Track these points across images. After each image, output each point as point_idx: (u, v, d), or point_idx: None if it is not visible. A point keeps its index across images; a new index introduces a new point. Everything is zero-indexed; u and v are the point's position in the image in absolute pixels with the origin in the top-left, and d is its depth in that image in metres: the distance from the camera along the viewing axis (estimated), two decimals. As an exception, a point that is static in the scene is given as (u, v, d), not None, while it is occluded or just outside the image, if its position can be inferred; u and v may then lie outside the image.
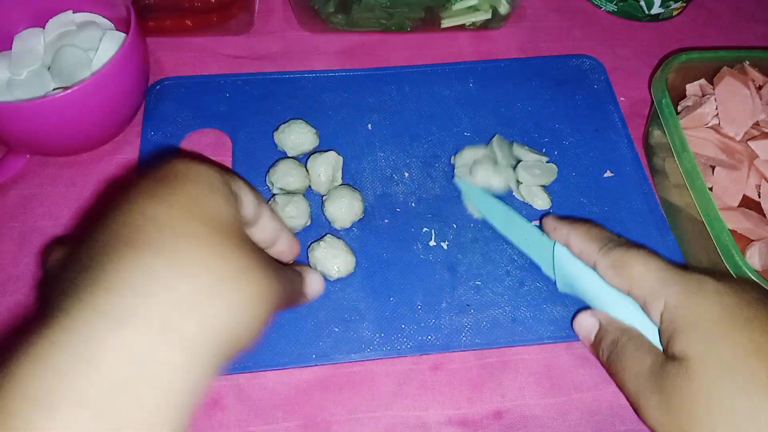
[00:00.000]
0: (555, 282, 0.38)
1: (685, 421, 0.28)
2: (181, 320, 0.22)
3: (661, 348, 0.31)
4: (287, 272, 0.30)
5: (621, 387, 0.32)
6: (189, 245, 0.23)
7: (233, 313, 0.23)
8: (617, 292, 0.34)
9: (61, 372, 0.20)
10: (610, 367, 0.33)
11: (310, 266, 0.38)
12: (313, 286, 0.34)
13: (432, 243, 0.43)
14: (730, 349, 0.28)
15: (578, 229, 0.37)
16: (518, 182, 0.46)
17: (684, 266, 0.32)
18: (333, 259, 0.40)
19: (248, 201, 0.29)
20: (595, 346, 0.35)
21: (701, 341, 0.29)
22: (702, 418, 0.27)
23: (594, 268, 0.35)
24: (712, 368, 0.28)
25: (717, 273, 0.32)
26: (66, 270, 0.24)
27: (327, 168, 0.44)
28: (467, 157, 0.46)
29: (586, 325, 0.35)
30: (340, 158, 0.45)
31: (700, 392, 0.27)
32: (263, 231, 0.31)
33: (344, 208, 0.42)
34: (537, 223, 0.44)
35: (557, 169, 0.46)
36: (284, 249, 0.34)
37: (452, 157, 0.47)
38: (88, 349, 0.20)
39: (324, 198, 0.43)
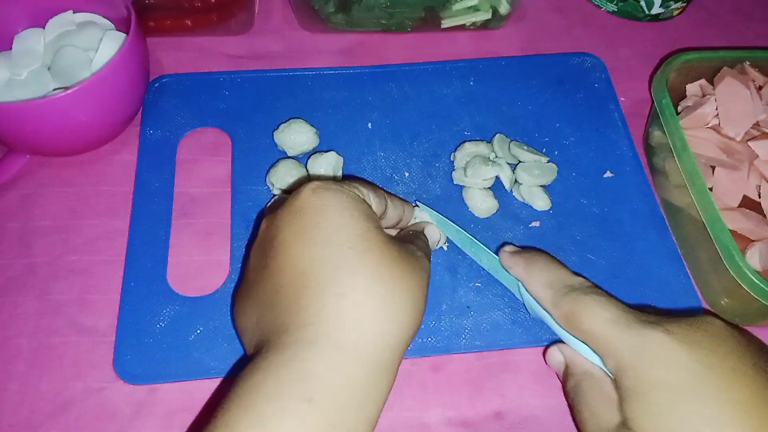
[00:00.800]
0: (525, 307, 0.38)
1: None
2: (367, 343, 0.27)
3: None
4: (419, 244, 0.35)
5: (577, 425, 0.32)
6: (353, 277, 0.28)
7: (403, 317, 0.28)
8: (572, 338, 0.33)
9: (287, 383, 0.25)
10: (572, 410, 0.33)
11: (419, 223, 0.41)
12: (434, 237, 0.39)
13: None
14: (675, 423, 0.27)
15: (532, 271, 0.36)
16: (518, 183, 0.45)
17: (640, 311, 0.31)
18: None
19: (375, 202, 0.33)
20: (563, 384, 0.35)
21: (646, 412, 0.28)
22: None
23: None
24: None
25: (670, 319, 0.30)
26: (250, 313, 0.30)
27: (327, 168, 0.44)
28: (468, 150, 0.46)
29: (554, 361, 0.35)
30: (341, 159, 0.45)
31: None
32: (390, 219, 0.36)
33: None
34: (537, 224, 0.44)
35: (557, 169, 0.46)
36: (407, 221, 0.39)
37: (452, 155, 0.47)
38: (298, 369, 0.25)
39: None
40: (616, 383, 0.30)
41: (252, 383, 0.26)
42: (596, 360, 0.32)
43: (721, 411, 0.26)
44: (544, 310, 0.35)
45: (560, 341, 0.35)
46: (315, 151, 0.46)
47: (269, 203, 0.43)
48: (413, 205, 0.41)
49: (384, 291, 0.28)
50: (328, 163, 0.44)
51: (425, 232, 0.38)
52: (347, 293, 0.27)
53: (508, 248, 0.38)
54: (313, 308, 0.27)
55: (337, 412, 0.25)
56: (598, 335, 0.31)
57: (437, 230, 0.39)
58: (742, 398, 0.26)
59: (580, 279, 0.35)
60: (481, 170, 0.44)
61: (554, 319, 0.34)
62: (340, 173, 0.45)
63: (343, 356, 0.26)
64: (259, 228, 0.32)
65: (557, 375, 0.36)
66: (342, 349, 0.26)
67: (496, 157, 0.46)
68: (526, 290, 0.36)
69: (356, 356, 0.26)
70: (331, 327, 0.26)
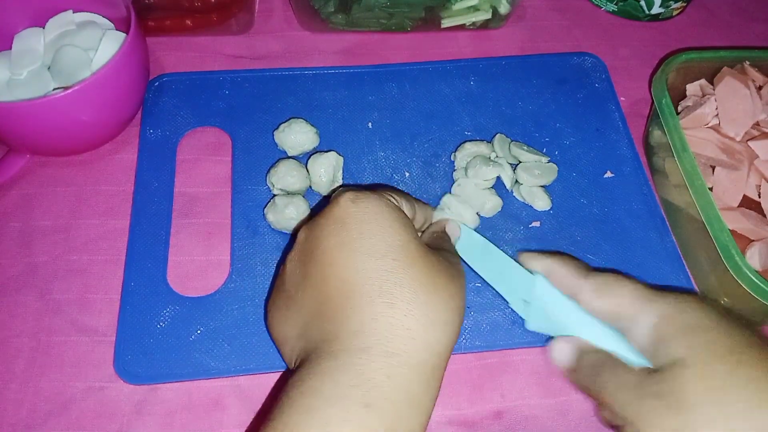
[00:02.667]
0: (524, 320, 0.37)
1: (696, 417, 0.28)
2: (418, 351, 0.28)
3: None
4: (449, 247, 0.36)
5: (607, 405, 0.32)
6: (401, 288, 0.29)
7: (448, 323, 0.30)
8: (597, 319, 0.34)
9: (345, 388, 0.26)
10: (591, 388, 0.33)
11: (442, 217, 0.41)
12: (454, 234, 0.39)
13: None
14: (726, 346, 0.29)
15: (558, 260, 0.37)
16: (518, 183, 0.45)
17: (660, 287, 0.33)
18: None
19: (407, 208, 0.34)
20: (574, 372, 0.35)
21: (699, 342, 0.29)
22: (712, 411, 0.27)
23: (574, 296, 0.35)
24: (716, 364, 0.28)
25: (693, 293, 0.33)
26: (299, 319, 0.31)
27: (328, 168, 0.44)
28: (469, 150, 0.46)
29: (564, 351, 0.35)
30: (341, 158, 0.45)
31: (705, 388, 0.28)
32: (417, 222, 0.37)
33: None
34: (537, 224, 0.44)
35: (557, 169, 0.46)
36: (429, 221, 0.40)
37: (452, 155, 0.47)
38: (355, 374, 0.27)
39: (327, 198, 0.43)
40: (657, 334, 0.31)
41: (309, 387, 0.27)
42: (615, 341, 0.33)
43: (753, 335, 0.30)
44: (557, 303, 0.35)
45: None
46: (315, 151, 0.46)
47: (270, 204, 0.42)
48: (432, 207, 0.41)
49: (429, 300, 0.29)
50: (328, 163, 0.44)
51: (447, 230, 0.39)
52: (396, 303, 0.28)
53: (526, 252, 0.40)
54: (364, 317, 0.28)
55: (394, 417, 0.26)
56: (637, 296, 0.33)
57: (456, 225, 0.40)
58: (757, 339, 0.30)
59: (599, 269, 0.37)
60: (482, 171, 0.44)
61: (573, 304, 0.34)
62: (340, 173, 0.45)
63: (397, 363, 0.27)
64: (296, 238, 0.33)
65: (562, 368, 0.35)
66: (395, 356, 0.27)
67: (497, 156, 0.46)
68: (545, 282, 0.36)
69: (408, 363, 0.27)
70: (382, 335, 0.28)
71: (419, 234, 0.38)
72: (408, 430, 0.27)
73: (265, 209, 0.43)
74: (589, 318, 0.34)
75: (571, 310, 0.35)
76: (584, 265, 0.36)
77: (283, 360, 0.33)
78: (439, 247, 0.35)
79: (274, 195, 0.44)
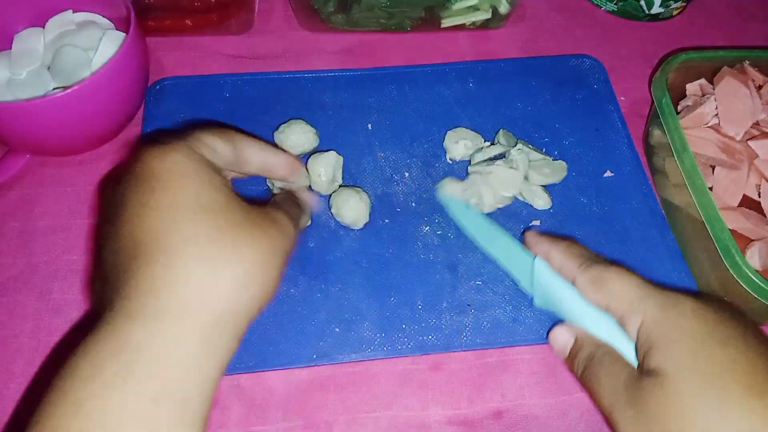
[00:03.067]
0: (532, 298, 0.38)
1: None
2: (196, 310, 0.26)
3: (636, 364, 0.31)
4: (287, 208, 0.34)
5: (596, 401, 0.32)
6: (184, 243, 0.27)
7: (243, 282, 0.27)
8: (594, 308, 0.34)
9: (101, 362, 0.24)
10: (585, 381, 0.33)
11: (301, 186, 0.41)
12: (311, 204, 0.38)
13: (432, 243, 0.43)
14: (706, 364, 0.28)
15: (559, 246, 0.37)
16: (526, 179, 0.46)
17: (661, 284, 0.33)
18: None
19: (224, 149, 0.32)
20: (570, 360, 0.35)
21: (678, 356, 0.29)
22: None
23: (573, 283, 0.35)
24: (688, 383, 0.28)
25: (691, 292, 0.32)
26: (97, 288, 0.28)
27: (327, 168, 0.44)
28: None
29: (561, 338, 0.36)
30: (341, 158, 0.45)
31: (675, 407, 0.28)
32: (250, 165, 0.35)
33: (353, 209, 0.42)
34: (537, 222, 0.45)
35: (566, 166, 0.46)
36: (283, 172, 0.37)
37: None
38: (122, 343, 0.25)
39: (331, 199, 0.43)
40: (644, 337, 0.31)
41: (68, 367, 0.24)
42: (605, 335, 0.33)
43: (746, 357, 0.28)
44: (557, 288, 0.35)
45: (561, 323, 0.36)
46: (315, 152, 0.46)
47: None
48: (300, 161, 0.39)
49: (217, 254, 0.27)
50: (328, 163, 0.44)
51: (298, 194, 0.38)
52: (174, 262, 0.26)
53: (533, 230, 0.40)
54: (140, 277, 0.26)
55: (162, 382, 0.24)
56: (626, 295, 0.32)
57: (315, 197, 0.40)
58: (763, 350, 0.29)
59: (602, 256, 0.36)
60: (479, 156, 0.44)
61: (572, 291, 0.35)
62: (339, 172, 0.45)
63: (165, 325, 0.25)
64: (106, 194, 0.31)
65: (559, 354, 0.36)
66: (164, 318, 0.25)
67: (500, 144, 0.47)
68: (544, 265, 0.37)
69: (181, 323, 0.25)
70: (152, 296, 0.25)
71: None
72: (184, 395, 0.25)
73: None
74: (584, 305, 0.34)
75: (567, 296, 0.35)
76: (588, 254, 0.36)
77: None
78: (278, 204, 0.34)
79: (274, 194, 0.44)
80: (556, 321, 0.37)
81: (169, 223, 0.27)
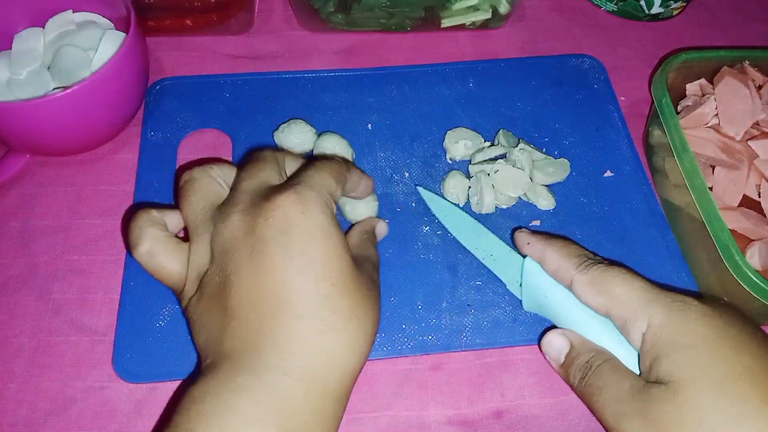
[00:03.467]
0: (521, 300, 0.38)
1: None
2: (331, 378, 0.28)
3: (638, 371, 0.30)
4: (371, 256, 0.36)
5: (596, 411, 0.31)
6: (333, 314, 0.29)
7: (365, 348, 0.30)
8: (591, 312, 0.33)
9: (265, 410, 0.26)
10: (583, 390, 0.32)
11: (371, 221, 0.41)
12: (381, 234, 0.41)
13: (432, 243, 0.43)
14: (719, 372, 0.27)
15: (554, 245, 0.35)
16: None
17: (666, 287, 0.32)
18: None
19: (337, 191, 0.33)
20: (565, 369, 0.33)
21: (689, 363, 0.28)
22: None
23: (568, 286, 0.34)
24: (702, 392, 0.27)
25: (695, 295, 0.31)
26: (219, 316, 0.30)
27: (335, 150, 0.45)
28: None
29: (556, 345, 0.34)
30: (352, 151, 0.46)
31: (689, 416, 0.27)
32: (348, 193, 0.37)
33: (363, 209, 0.42)
34: (537, 222, 0.44)
35: (570, 164, 0.46)
36: (366, 192, 0.39)
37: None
38: (280, 398, 0.27)
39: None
40: (650, 344, 0.30)
41: (226, 404, 0.26)
42: (601, 340, 0.32)
43: (759, 362, 0.28)
44: (548, 290, 0.35)
45: (553, 328, 0.35)
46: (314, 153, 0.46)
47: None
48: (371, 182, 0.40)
49: (355, 329, 0.29)
50: (336, 144, 0.45)
51: (376, 230, 0.40)
52: (326, 330, 0.28)
53: (523, 229, 0.39)
54: (291, 338, 0.28)
55: None
56: (633, 298, 0.31)
57: (385, 226, 0.41)
58: (766, 350, 0.28)
59: (599, 256, 0.35)
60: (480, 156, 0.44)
61: (566, 294, 0.34)
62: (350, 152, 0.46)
63: (316, 388, 0.28)
64: (227, 218, 0.31)
65: (551, 362, 0.35)
66: (316, 382, 0.28)
67: (500, 145, 0.47)
68: (535, 266, 0.35)
69: (326, 388, 0.28)
70: (308, 359, 0.28)
71: (353, 229, 0.39)
72: None
73: None
74: (580, 309, 0.33)
75: (561, 299, 0.34)
76: (584, 253, 0.35)
77: (194, 345, 0.31)
78: (367, 257, 0.35)
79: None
80: (549, 326, 0.36)
81: (320, 292, 0.29)
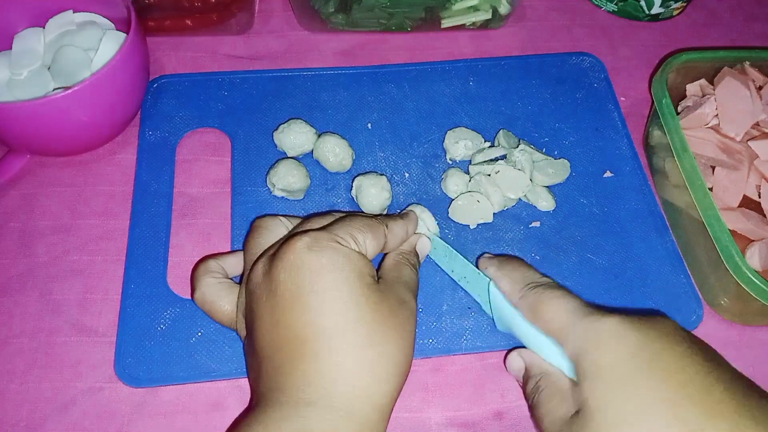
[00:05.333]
0: (494, 321, 0.38)
1: None
2: (363, 405, 0.29)
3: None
4: (408, 276, 0.36)
5: (538, 426, 0.32)
6: (348, 347, 0.29)
7: (393, 375, 0.30)
8: (537, 331, 0.34)
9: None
10: (533, 413, 0.33)
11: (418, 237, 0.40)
12: (424, 250, 0.39)
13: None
14: (624, 399, 0.27)
15: (504, 270, 0.37)
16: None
17: (597, 306, 0.32)
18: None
19: (372, 244, 0.34)
20: (523, 389, 0.35)
21: (598, 392, 0.28)
22: None
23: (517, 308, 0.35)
24: (607, 422, 0.27)
25: (626, 311, 0.31)
26: (255, 358, 0.31)
27: (335, 149, 0.45)
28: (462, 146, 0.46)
29: (514, 365, 0.35)
30: (352, 150, 0.46)
31: None
32: (392, 247, 0.37)
33: (373, 197, 0.43)
34: (537, 224, 0.45)
35: (570, 164, 0.46)
36: (410, 235, 0.39)
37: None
38: (299, 425, 0.28)
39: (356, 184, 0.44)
40: (575, 368, 0.31)
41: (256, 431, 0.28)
42: (554, 359, 0.33)
43: (668, 386, 0.27)
44: (507, 312, 0.36)
45: (519, 348, 0.36)
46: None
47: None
48: (413, 212, 0.40)
49: (376, 357, 0.30)
50: (338, 145, 0.45)
51: (417, 247, 0.39)
52: (344, 361, 0.29)
53: (486, 254, 0.41)
54: (310, 371, 0.29)
55: None
56: (559, 323, 0.32)
57: (429, 242, 0.40)
58: (688, 375, 0.27)
59: (547, 279, 0.36)
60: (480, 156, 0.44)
61: (520, 316, 0.35)
62: (349, 161, 0.46)
63: (340, 417, 0.28)
64: (254, 268, 0.33)
65: (516, 380, 0.36)
66: (339, 411, 0.28)
67: (499, 146, 0.47)
68: (497, 290, 0.37)
69: (352, 418, 0.28)
70: (328, 390, 0.28)
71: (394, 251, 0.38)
72: None
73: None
74: (532, 330, 0.34)
75: (517, 321, 0.35)
76: (528, 276, 0.36)
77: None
78: (398, 278, 0.35)
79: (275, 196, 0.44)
80: (515, 344, 0.37)
81: (332, 325, 0.29)
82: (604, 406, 0.28)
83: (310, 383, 0.29)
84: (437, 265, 0.41)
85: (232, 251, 0.40)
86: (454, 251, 0.39)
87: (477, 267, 0.39)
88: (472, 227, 0.44)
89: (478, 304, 0.40)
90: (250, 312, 0.32)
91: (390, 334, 0.30)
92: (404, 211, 0.40)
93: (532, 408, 0.33)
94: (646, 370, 0.28)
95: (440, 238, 0.40)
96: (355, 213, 0.38)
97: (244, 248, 0.37)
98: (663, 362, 0.28)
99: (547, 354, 0.33)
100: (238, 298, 0.35)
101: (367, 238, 0.33)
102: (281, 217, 0.37)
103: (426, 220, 0.41)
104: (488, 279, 0.37)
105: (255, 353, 0.31)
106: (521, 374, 0.35)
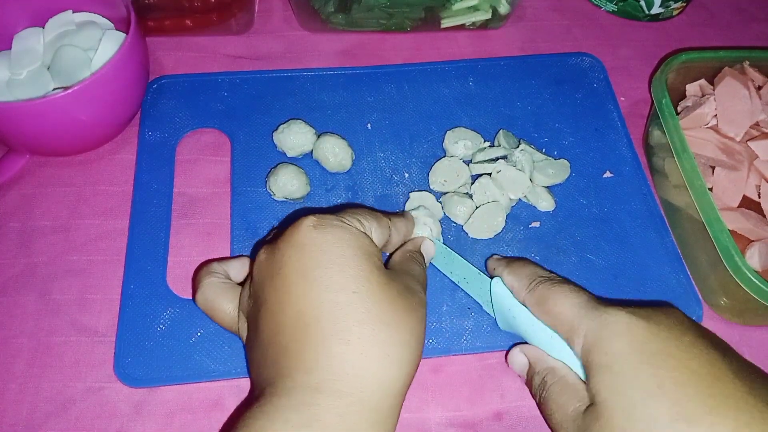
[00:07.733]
0: (495, 320, 0.38)
1: None
2: (373, 391, 0.27)
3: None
4: (416, 271, 0.35)
5: (549, 423, 0.32)
6: (358, 325, 0.28)
7: (405, 361, 0.29)
8: (547, 328, 0.34)
9: (296, 428, 0.26)
10: (541, 409, 0.33)
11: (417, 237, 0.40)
12: (429, 253, 0.39)
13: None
14: (633, 390, 0.28)
15: (511, 267, 0.37)
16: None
17: (605, 300, 0.32)
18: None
19: (378, 233, 0.33)
20: (528, 385, 0.35)
21: (608, 384, 0.28)
22: None
23: (524, 304, 0.35)
24: (618, 414, 0.27)
25: (634, 303, 0.31)
26: (258, 347, 0.30)
27: (336, 150, 0.45)
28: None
29: (517, 362, 0.35)
30: (350, 150, 0.46)
31: None
32: (394, 245, 0.37)
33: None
34: (537, 224, 0.44)
35: (570, 165, 0.46)
36: (409, 236, 0.39)
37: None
38: (307, 415, 0.26)
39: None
40: (584, 362, 0.31)
41: (261, 426, 0.26)
42: (561, 354, 0.33)
43: (674, 377, 0.27)
44: (512, 309, 0.36)
45: (522, 344, 0.36)
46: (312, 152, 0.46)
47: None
48: (411, 213, 0.40)
49: (387, 338, 0.28)
50: (339, 145, 0.45)
51: (422, 249, 0.38)
52: (352, 341, 0.27)
53: (495, 255, 0.41)
54: (318, 354, 0.27)
55: None
56: (567, 316, 0.32)
57: (433, 245, 0.39)
58: (694, 367, 0.28)
59: (553, 274, 0.36)
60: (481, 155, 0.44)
61: (526, 312, 0.35)
62: (348, 161, 0.46)
63: (350, 403, 0.27)
64: (257, 258, 0.32)
65: (519, 376, 0.36)
66: (348, 396, 0.27)
67: (500, 146, 0.47)
68: (501, 288, 0.37)
69: (362, 403, 0.27)
70: (336, 374, 0.27)
71: (396, 249, 0.38)
72: None
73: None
74: (538, 326, 0.34)
75: (521, 317, 0.35)
76: (538, 273, 0.36)
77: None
78: (407, 270, 0.35)
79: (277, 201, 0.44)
80: (519, 341, 0.37)
81: (340, 302, 0.28)
82: (614, 396, 0.28)
83: (318, 364, 0.27)
84: (436, 268, 0.41)
85: (236, 256, 0.39)
86: (454, 253, 0.39)
87: (485, 268, 0.39)
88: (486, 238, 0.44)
89: (479, 304, 0.40)
90: (255, 301, 0.31)
91: (401, 315, 0.29)
92: (405, 212, 0.40)
93: (541, 404, 0.33)
94: (655, 361, 0.28)
95: (440, 239, 0.40)
96: (357, 204, 0.38)
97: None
98: (671, 352, 0.28)
99: (554, 349, 0.33)
100: (239, 298, 0.35)
101: (373, 225, 0.33)
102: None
103: (429, 225, 0.40)
104: (489, 279, 0.37)
105: (259, 342, 0.30)
106: (525, 370, 0.35)
